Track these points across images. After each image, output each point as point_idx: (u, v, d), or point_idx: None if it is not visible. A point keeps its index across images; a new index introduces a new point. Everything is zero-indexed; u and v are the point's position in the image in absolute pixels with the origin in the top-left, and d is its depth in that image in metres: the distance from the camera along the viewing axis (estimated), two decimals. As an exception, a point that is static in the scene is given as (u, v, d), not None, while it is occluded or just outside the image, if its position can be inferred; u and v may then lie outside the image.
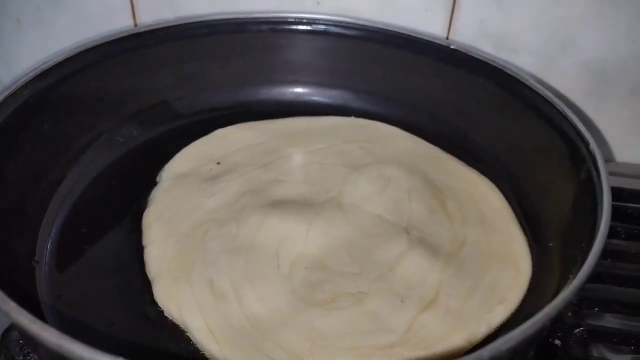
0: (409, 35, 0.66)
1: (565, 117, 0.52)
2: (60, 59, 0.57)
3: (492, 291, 0.49)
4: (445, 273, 0.50)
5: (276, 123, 0.68)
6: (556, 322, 0.50)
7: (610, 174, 0.46)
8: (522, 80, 0.58)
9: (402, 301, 0.47)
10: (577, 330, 0.50)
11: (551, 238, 0.52)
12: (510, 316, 0.48)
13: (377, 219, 0.55)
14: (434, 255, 0.51)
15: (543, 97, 0.55)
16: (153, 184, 0.59)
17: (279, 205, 0.55)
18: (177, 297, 0.47)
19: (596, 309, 0.52)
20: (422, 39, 0.66)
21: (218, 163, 0.62)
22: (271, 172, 0.61)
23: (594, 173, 0.46)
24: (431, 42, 0.65)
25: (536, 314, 0.33)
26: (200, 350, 0.44)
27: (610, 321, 0.52)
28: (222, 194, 0.57)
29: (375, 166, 0.61)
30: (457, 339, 0.45)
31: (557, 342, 0.50)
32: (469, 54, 0.63)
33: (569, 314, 0.52)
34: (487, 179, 0.61)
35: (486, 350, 0.30)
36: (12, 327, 0.47)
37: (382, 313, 0.47)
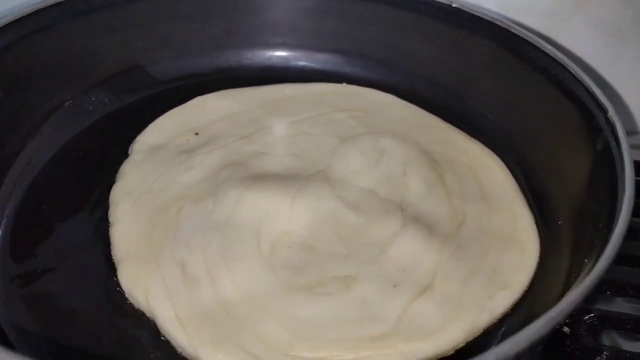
0: (406, -8, 0.61)
1: (579, 81, 0.47)
2: (16, 17, 0.51)
3: (495, 275, 0.45)
4: (443, 254, 0.45)
5: (260, 90, 0.63)
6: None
7: (633, 147, 0.41)
8: (530, 41, 0.53)
9: (394, 286, 0.43)
10: (587, 316, 0.46)
11: (561, 216, 0.47)
12: (514, 303, 0.43)
13: (369, 194, 0.50)
14: (430, 235, 0.46)
15: (554, 59, 0.50)
16: (124, 156, 0.54)
17: (261, 178, 0.50)
18: (144, 282, 0.43)
19: (608, 292, 0.48)
20: (421, -4, 0.60)
21: (196, 134, 0.57)
22: (253, 144, 0.56)
23: (613, 144, 0.41)
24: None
25: (551, 309, 0.28)
26: (168, 342, 0.40)
27: (622, 306, 0.48)
28: (200, 167, 0.52)
29: (368, 137, 0.56)
30: (456, 329, 0.41)
31: (566, 329, 0.46)
32: (471, 13, 0.58)
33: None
34: (490, 151, 0.56)
35: (491, 355, 0.25)
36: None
37: (372, 300, 0.42)
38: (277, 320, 0.41)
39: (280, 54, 0.67)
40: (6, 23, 0.50)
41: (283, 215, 0.47)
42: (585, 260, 0.35)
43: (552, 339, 0.46)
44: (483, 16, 0.57)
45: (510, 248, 0.47)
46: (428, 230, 0.46)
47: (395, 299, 0.42)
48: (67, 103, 0.56)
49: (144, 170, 0.52)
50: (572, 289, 0.30)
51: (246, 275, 0.43)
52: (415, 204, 0.49)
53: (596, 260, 0.31)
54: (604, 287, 0.48)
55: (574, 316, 0.46)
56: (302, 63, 0.66)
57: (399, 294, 0.43)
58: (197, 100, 0.61)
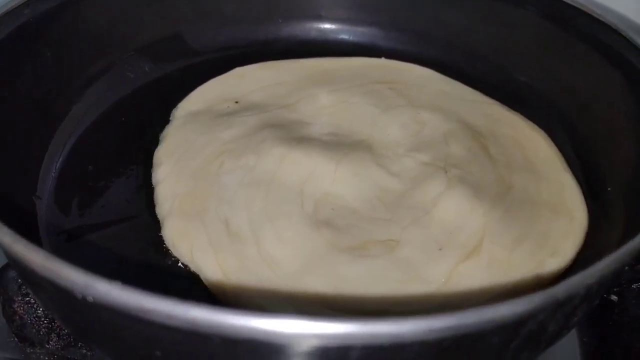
0: (443, -38, 0.60)
1: (630, 42, 0.45)
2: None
3: (543, 241, 0.43)
4: (490, 217, 0.44)
5: (299, 63, 0.62)
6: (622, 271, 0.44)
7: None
8: (576, 5, 0.51)
9: (440, 249, 0.42)
10: (636, 285, 0.45)
11: (609, 182, 0.46)
12: (563, 271, 0.42)
13: (411, 161, 0.49)
14: (477, 196, 0.45)
15: (601, 21, 0.49)
16: (165, 122, 0.54)
17: (304, 141, 0.49)
18: (188, 237, 0.43)
19: (656, 262, 0.47)
20: (459, -35, 0.59)
21: (236, 102, 0.57)
22: (294, 113, 0.55)
23: (672, 103, 0.39)
24: (469, -31, 0.59)
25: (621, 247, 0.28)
26: (213, 295, 0.40)
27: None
28: (240, 126, 0.51)
29: (408, 109, 0.55)
30: (503, 294, 0.40)
31: (614, 297, 0.45)
32: (512, -20, 0.57)
33: (626, 267, 0.46)
34: (534, 124, 0.55)
35: (562, 287, 0.24)
36: (9, 265, 0.43)
37: (417, 262, 0.41)
38: (321, 277, 0.40)
39: (318, 27, 0.66)
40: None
41: (327, 178, 0.46)
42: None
43: (601, 307, 0.45)
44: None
45: (559, 216, 0.45)
46: (474, 191, 0.45)
47: (440, 261, 0.41)
48: (110, 69, 0.57)
49: (185, 133, 0.52)
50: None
51: (290, 232, 0.43)
52: (459, 166, 0.48)
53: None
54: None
55: (622, 284, 0.46)
56: (340, 36, 0.66)
57: (444, 257, 0.42)
58: (237, 71, 0.60)
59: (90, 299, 0.24)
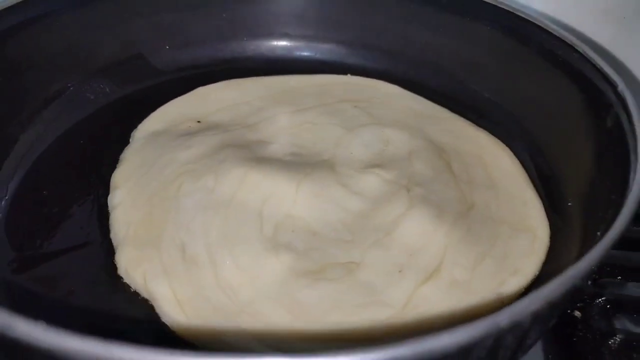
0: (409, -20, 0.60)
1: (586, 59, 0.46)
2: (18, 0, 0.51)
3: (504, 260, 0.43)
4: (452, 237, 0.43)
5: (264, 81, 0.62)
6: (575, 292, 0.44)
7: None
8: (535, 22, 0.52)
9: (400, 271, 0.41)
10: (599, 300, 0.45)
11: (570, 197, 0.46)
12: (525, 288, 0.42)
13: (374, 179, 0.49)
14: (438, 216, 0.44)
15: (560, 39, 0.49)
16: (126, 144, 0.53)
17: (265, 161, 0.49)
18: (142, 265, 0.41)
19: (619, 277, 0.47)
20: (423, -16, 0.59)
21: (198, 122, 0.56)
22: (257, 133, 0.54)
23: (624, 117, 0.39)
24: (433, -13, 0.59)
25: (569, 267, 0.27)
26: (166, 324, 0.39)
27: (634, 290, 0.46)
28: (200, 146, 0.50)
29: (373, 127, 0.55)
30: (464, 315, 0.39)
31: (577, 313, 0.44)
32: (475, -2, 0.57)
33: (589, 282, 0.46)
34: (498, 140, 0.55)
35: (505, 314, 0.24)
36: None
37: (377, 285, 0.41)
38: (278, 304, 0.39)
39: (283, 44, 0.66)
40: (6, 7, 0.49)
41: (287, 199, 0.46)
42: (598, 233, 0.34)
43: (563, 323, 0.44)
44: (486, 1, 0.56)
45: (520, 235, 0.45)
46: (436, 211, 0.45)
47: (400, 284, 0.41)
48: (68, 91, 0.55)
49: (143, 155, 0.51)
50: (591, 248, 0.29)
51: (248, 258, 0.42)
52: (422, 184, 0.48)
53: (612, 222, 0.30)
54: (615, 271, 0.47)
55: (585, 300, 0.45)
56: (305, 54, 0.65)
57: (404, 279, 0.41)
58: (200, 90, 0.60)
59: (13, 339, 0.23)
